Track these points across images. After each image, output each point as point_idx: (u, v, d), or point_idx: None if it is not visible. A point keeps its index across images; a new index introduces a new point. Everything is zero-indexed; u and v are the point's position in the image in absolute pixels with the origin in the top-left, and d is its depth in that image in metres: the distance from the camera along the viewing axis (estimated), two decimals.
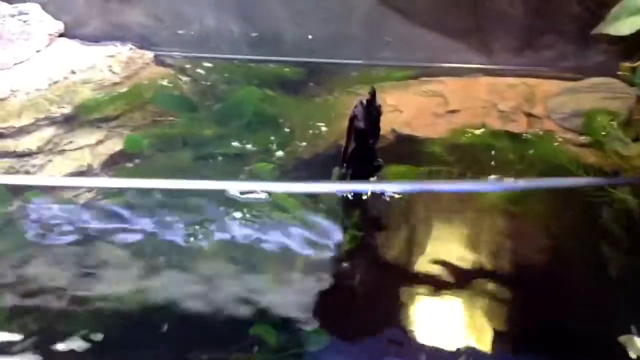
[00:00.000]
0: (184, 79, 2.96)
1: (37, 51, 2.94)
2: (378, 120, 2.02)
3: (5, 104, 2.59)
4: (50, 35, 3.03)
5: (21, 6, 3.05)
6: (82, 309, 1.81)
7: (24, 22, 3.03)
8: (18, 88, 2.66)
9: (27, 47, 2.89)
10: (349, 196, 2.14)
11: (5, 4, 3.07)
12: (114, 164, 2.49)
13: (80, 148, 2.55)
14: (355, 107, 1.99)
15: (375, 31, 3.12)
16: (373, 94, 1.97)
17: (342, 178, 2.13)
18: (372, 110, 1.98)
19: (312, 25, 3.12)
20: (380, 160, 2.11)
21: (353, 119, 1.99)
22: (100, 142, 2.60)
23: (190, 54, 3.15)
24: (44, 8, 3.11)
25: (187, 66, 3.06)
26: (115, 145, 2.60)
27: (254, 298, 1.79)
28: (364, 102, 1.98)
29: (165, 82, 2.90)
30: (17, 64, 2.83)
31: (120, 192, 2.27)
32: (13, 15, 3.04)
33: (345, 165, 2.09)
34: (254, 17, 3.14)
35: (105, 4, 3.14)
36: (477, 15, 3.09)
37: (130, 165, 2.40)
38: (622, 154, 2.40)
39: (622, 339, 1.75)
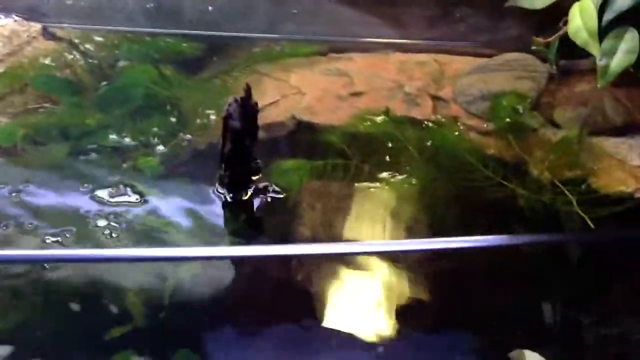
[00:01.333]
0: (71, 56, 2.74)
1: None
2: (255, 119, 1.86)
3: None
4: None
5: None
6: None
7: None
8: None
9: None
10: (228, 198, 2.00)
11: None
12: None
13: None
14: (229, 105, 1.83)
15: (281, 3, 2.93)
16: (248, 91, 1.81)
17: (220, 182, 1.99)
18: (248, 109, 1.83)
19: None
20: (258, 161, 1.96)
21: (227, 118, 1.83)
22: None
23: (81, 25, 2.91)
24: None
25: (77, 40, 2.83)
26: None
27: None
28: (239, 99, 1.82)
29: (48, 61, 2.67)
30: None
31: None
32: None
33: (223, 168, 1.94)
34: None
35: None
36: None
37: (7, 161, 2.19)
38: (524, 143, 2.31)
39: (513, 354, 1.68)
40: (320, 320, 1.72)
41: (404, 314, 1.75)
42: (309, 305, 1.77)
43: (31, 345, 1.64)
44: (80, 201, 1.96)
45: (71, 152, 2.24)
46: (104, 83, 2.60)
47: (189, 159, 2.23)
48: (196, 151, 2.27)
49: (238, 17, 2.92)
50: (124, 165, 2.17)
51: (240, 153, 1.88)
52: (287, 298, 1.82)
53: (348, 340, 1.67)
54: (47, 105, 2.47)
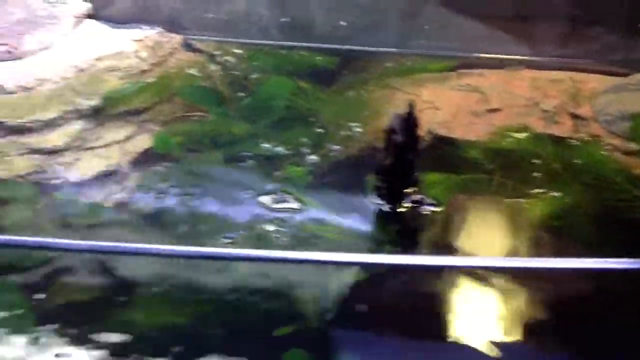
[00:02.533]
0: (214, 67, 2.86)
1: (64, 35, 2.85)
2: (416, 134, 1.92)
3: (31, 95, 2.53)
4: (77, 17, 2.94)
5: None
6: None
7: (50, 3, 2.94)
8: (44, 77, 2.60)
9: (54, 32, 2.81)
10: (386, 209, 2.06)
11: None
12: (143, 164, 2.41)
13: (109, 145, 2.48)
14: (392, 120, 1.90)
15: (412, 18, 2.99)
16: (411, 107, 1.87)
17: (377, 192, 2.05)
18: (410, 124, 1.89)
19: (345, 10, 2.99)
20: (417, 174, 2.02)
21: (390, 132, 1.89)
22: (128, 138, 2.53)
23: (220, 38, 3.04)
24: None
25: (216, 52, 2.96)
26: (144, 142, 2.53)
27: None
28: (401, 114, 1.88)
29: (193, 72, 2.81)
30: (42, 49, 2.75)
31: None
32: None
33: (380, 178, 2.00)
34: (285, 2, 3.02)
35: None
36: (520, 3, 2.94)
37: (159, 168, 2.32)
38: None
39: None
40: (448, 333, 1.75)
41: (546, 332, 1.76)
42: (446, 317, 1.80)
43: (207, 339, 1.73)
44: (246, 206, 2.05)
45: (225, 159, 2.34)
46: (244, 94, 2.71)
47: (337, 168, 2.30)
48: (343, 161, 2.34)
49: (369, 31, 2.99)
50: (276, 174, 2.26)
51: (401, 166, 1.94)
52: (431, 308, 1.86)
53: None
54: (195, 114, 2.59)
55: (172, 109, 2.66)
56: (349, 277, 1.87)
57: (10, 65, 2.61)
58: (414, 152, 1.93)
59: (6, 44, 2.65)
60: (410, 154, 1.92)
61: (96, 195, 2.29)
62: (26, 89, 2.52)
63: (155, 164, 2.40)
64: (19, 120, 2.39)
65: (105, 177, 2.38)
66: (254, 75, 2.84)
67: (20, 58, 2.65)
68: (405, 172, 1.97)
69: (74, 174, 2.34)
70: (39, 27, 2.78)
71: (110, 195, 2.30)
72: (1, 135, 2.37)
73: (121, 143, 2.51)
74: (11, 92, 2.50)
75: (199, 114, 2.60)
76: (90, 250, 1.88)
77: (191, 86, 2.71)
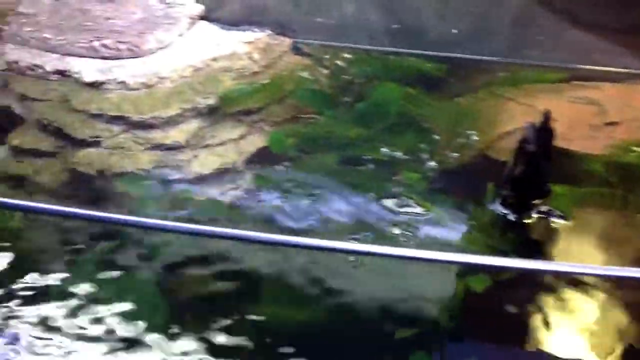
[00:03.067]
0: (323, 71, 2.89)
1: (179, 35, 2.93)
2: (550, 144, 1.89)
3: (153, 92, 2.60)
4: (191, 18, 3.01)
5: None
6: None
7: (167, 4, 3.02)
8: (164, 75, 2.66)
9: (171, 32, 2.88)
10: (512, 218, 2.03)
11: None
12: (258, 163, 2.45)
13: (224, 143, 2.53)
14: (526, 129, 1.87)
15: (525, 28, 2.95)
16: (547, 117, 1.84)
17: (503, 201, 2.02)
18: (545, 134, 1.85)
19: (457, 18, 2.98)
20: (549, 184, 1.98)
21: (523, 141, 1.86)
22: (242, 137, 2.58)
23: (328, 42, 3.07)
24: None
25: (326, 56, 2.98)
26: (257, 141, 2.57)
27: None
28: (535, 124, 1.85)
29: (305, 75, 2.83)
30: (161, 48, 2.82)
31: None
32: None
33: (508, 187, 1.97)
34: (395, 8, 3.03)
35: None
36: (636, 15, 2.86)
37: (279, 167, 2.35)
38: None
39: None
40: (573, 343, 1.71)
41: None
42: (570, 327, 1.76)
43: (331, 338, 1.73)
44: (369, 209, 2.06)
45: (340, 162, 2.35)
46: (354, 98, 2.72)
47: (455, 175, 2.28)
48: (460, 169, 2.32)
49: (480, 40, 2.96)
50: (394, 178, 2.25)
51: (533, 176, 1.91)
52: (557, 317, 1.82)
53: None
54: (307, 116, 2.61)
55: (283, 110, 2.70)
56: (473, 283, 1.85)
57: (133, 63, 2.69)
58: (548, 163, 1.90)
59: (128, 42, 2.73)
60: (544, 164, 1.88)
61: (214, 191, 2.33)
62: (147, 86, 2.59)
63: (269, 164, 2.43)
64: (141, 116, 2.46)
65: (222, 174, 2.43)
66: (363, 80, 2.84)
67: (141, 56, 2.72)
68: (537, 183, 1.94)
69: (193, 170, 2.39)
70: (158, 27, 2.86)
71: (228, 192, 2.34)
72: (126, 130, 2.44)
73: (236, 142, 2.56)
74: (134, 89, 2.57)
75: (310, 116, 2.62)
76: (219, 236, 1.90)
77: (304, 89, 2.74)
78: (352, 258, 1.87)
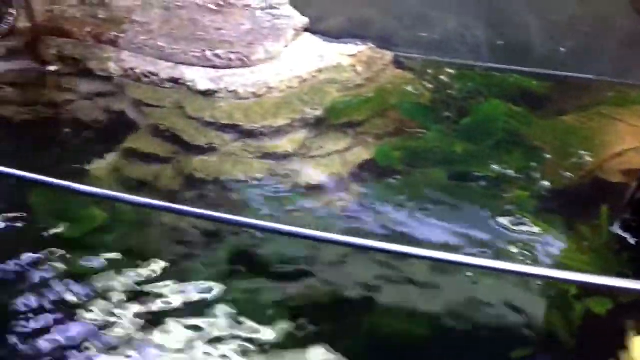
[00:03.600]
0: (427, 85, 2.90)
1: (285, 46, 2.99)
2: None
3: (262, 101, 2.67)
4: (296, 30, 3.07)
5: (272, 0, 3.11)
6: None
7: (274, 16, 3.09)
8: (272, 85, 2.73)
9: (278, 43, 2.95)
10: (632, 242, 2.00)
11: None
12: (363, 175, 2.49)
13: (330, 154, 2.58)
14: None
15: (634, 48, 2.89)
16: None
17: (622, 223, 1.99)
18: None
19: (563, 37, 2.95)
20: None
21: None
22: (347, 149, 2.62)
23: (430, 57, 3.08)
24: (290, 2, 3.15)
25: (429, 71, 3.00)
26: (362, 153, 2.61)
27: None
28: None
29: (409, 89, 2.85)
30: (268, 59, 2.89)
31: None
32: (263, 9, 3.10)
33: (629, 210, 1.94)
34: (500, 24, 3.02)
35: (352, 1, 3.14)
36: None
37: (387, 180, 2.38)
38: None
39: None
40: None
41: None
42: None
43: (445, 355, 1.74)
44: (484, 225, 2.06)
45: (449, 177, 2.36)
46: (457, 113, 2.72)
47: (567, 195, 2.26)
48: (572, 189, 2.30)
49: (587, 59, 2.92)
50: (505, 196, 2.25)
51: None
52: None
53: None
54: (411, 130, 2.63)
55: (386, 123, 2.73)
56: (594, 304, 1.83)
57: (242, 73, 2.77)
58: None
59: (239, 52, 2.81)
60: None
61: (322, 201, 2.38)
62: (257, 95, 2.66)
63: (376, 176, 2.47)
64: (253, 125, 2.53)
65: (329, 184, 2.47)
66: (467, 96, 2.84)
67: (250, 66, 2.80)
68: None
69: (302, 180, 2.45)
70: (265, 38, 2.93)
71: (335, 202, 2.38)
72: (237, 138, 2.52)
73: (341, 153, 2.61)
74: (244, 98, 2.65)
75: (416, 130, 2.64)
76: (331, 242, 1.93)
77: (408, 102, 2.76)
78: (469, 273, 1.88)
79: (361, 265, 1.97)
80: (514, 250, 1.97)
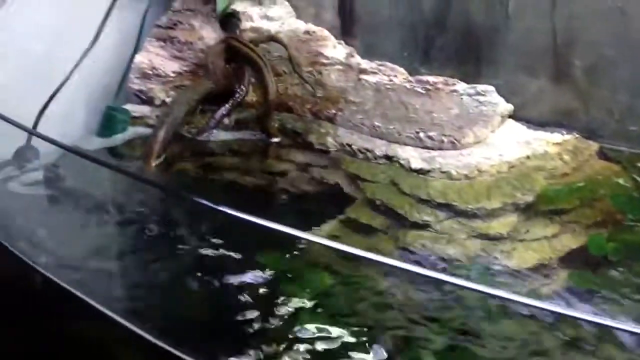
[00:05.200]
0: (637, 179, 2.90)
1: (492, 132, 3.12)
2: None
3: (474, 183, 2.80)
4: (502, 117, 3.19)
5: (479, 87, 3.27)
6: None
7: (480, 102, 3.24)
8: (483, 169, 2.85)
9: (486, 128, 3.09)
10: None
11: (463, 83, 3.32)
12: (574, 262, 2.52)
13: (539, 239, 2.64)
14: None
15: None
16: None
17: None
18: None
19: None
20: None
21: None
22: (555, 235, 2.67)
23: (638, 150, 3.08)
24: (497, 90, 3.30)
25: (638, 164, 2.99)
26: (570, 241, 2.65)
27: None
28: None
29: (618, 181, 2.87)
30: (477, 143, 3.03)
31: None
32: (470, 95, 3.27)
33: None
34: None
35: (558, 90, 3.23)
36: None
37: (600, 270, 2.40)
38: None
39: None
40: None
41: None
42: None
43: None
44: None
45: None
46: None
47: None
48: None
49: None
50: None
51: None
52: None
53: None
54: (632, 223, 2.63)
55: (595, 213, 2.75)
56: None
57: (453, 155, 2.92)
58: None
59: (450, 135, 2.97)
60: None
61: (533, 284, 2.43)
62: (468, 177, 2.80)
63: (587, 265, 2.49)
64: (466, 206, 2.66)
65: (538, 269, 2.53)
66: None
67: (460, 149, 2.95)
68: None
69: (511, 263, 2.52)
70: (474, 123, 3.08)
71: (546, 286, 2.43)
72: (451, 216, 2.65)
73: (549, 239, 2.66)
74: (456, 179, 2.80)
75: (635, 224, 2.64)
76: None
77: (619, 194, 2.77)
78: None
79: None
80: None
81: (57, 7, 3.40)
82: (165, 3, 3.78)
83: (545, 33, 3.16)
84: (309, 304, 2.22)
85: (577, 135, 3.15)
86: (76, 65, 3.30)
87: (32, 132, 2.77)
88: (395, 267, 2.05)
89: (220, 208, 1.93)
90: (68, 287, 2.17)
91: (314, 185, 3.10)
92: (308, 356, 1.95)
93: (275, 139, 3.32)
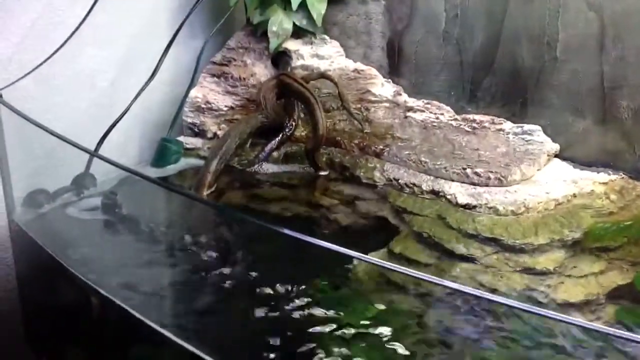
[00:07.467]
0: None
1: (538, 169, 3.17)
2: None
3: (521, 219, 2.84)
4: (548, 155, 3.24)
5: (526, 126, 3.33)
6: None
7: (526, 141, 3.30)
8: (530, 206, 2.89)
9: (532, 166, 3.13)
10: None
11: (509, 122, 3.39)
12: (620, 299, 2.53)
13: (585, 275, 2.65)
14: None
15: None
16: None
17: None
18: None
19: None
20: None
21: None
22: (602, 272, 2.68)
23: None
24: (543, 130, 3.35)
25: None
26: (616, 278, 2.66)
27: None
28: None
29: None
30: (523, 180, 3.08)
31: None
32: (517, 134, 3.33)
33: None
34: None
35: (604, 131, 3.27)
36: None
37: None
38: None
39: None
40: None
41: None
42: None
43: None
44: None
45: None
46: None
47: None
48: None
49: None
50: None
51: None
52: None
53: None
54: None
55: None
56: None
57: (499, 191, 2.97)
58: None
59: (497, 172, 3.02)
60: None
61: (580, 319, 2.44)
62: (515, 213, 2.84)
63: (634, 301, 2.50)
64: (513, 241, 2.69)
65: (585, 304, 2.54)
66: None
67: (506, 186, 3.00)
68: None
69: (558, 297, 2.54)
70: (520, 161, 3.13)
71: (593, 321, 2.44)
72: (498, 251, 2.68)
73: (596, 275, 2.67)
74: (503, 215, 2.84)
75: None
76: None
77: None
78: None
79: None
80: None
81: (122, 43, 3.58)
82: (221, 41, 3.94)
83: (593, 75, 3.21)
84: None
85: (623, 176, 3.17)
86: (135, 98, 3.44)
87: (97, 156, 2.90)
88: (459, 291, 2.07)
89: (285, 231, 2.00)
90: (129, 309, 2.26)
91: (359, 218, 3.16)
92: None
93: (323, 173, 3.40)
